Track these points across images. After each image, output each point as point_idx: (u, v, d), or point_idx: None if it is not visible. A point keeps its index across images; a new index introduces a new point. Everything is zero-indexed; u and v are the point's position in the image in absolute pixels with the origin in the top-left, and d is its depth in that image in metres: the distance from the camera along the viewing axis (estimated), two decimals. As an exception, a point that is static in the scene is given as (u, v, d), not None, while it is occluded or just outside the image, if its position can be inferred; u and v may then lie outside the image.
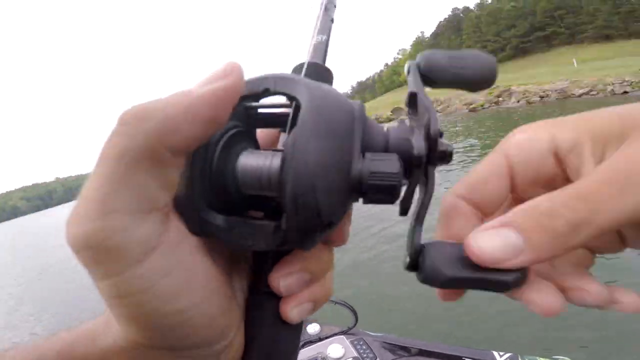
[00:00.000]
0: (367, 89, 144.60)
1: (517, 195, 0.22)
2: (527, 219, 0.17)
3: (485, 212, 0.22)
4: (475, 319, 2.80)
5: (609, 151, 0.18)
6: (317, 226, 0.19)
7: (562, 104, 17.28)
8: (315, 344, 1.18)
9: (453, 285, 0.19)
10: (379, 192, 0.19)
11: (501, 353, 0.98)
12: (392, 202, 0.19)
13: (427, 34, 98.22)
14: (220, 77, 0.18)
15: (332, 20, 0.27)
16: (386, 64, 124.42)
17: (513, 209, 0.18)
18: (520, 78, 28.62)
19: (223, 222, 0.19)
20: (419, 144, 0.19)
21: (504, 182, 0.21)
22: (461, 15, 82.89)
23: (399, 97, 63.15)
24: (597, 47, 49.01)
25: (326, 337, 1.21)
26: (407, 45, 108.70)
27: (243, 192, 0.20)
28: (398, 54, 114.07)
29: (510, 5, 63.68)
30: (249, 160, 0.19)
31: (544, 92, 19.81)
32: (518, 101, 20.52)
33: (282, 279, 0.21)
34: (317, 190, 0.17)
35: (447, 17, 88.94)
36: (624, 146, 0.17)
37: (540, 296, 0.19)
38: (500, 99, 22.25)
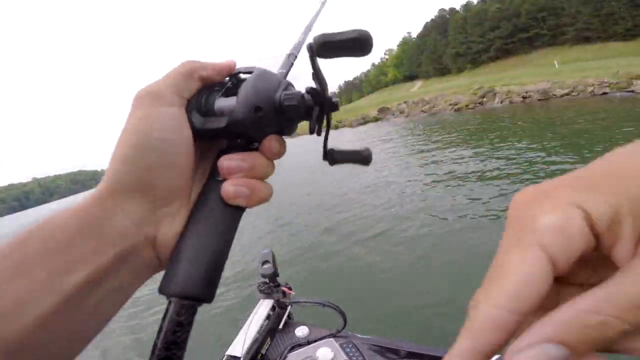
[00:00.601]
0: (354, 88, 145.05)
1: (560, 288, 0.19)
2: (573, 331, 0.15)
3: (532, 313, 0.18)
4: (463, 320, 2.74)
5: None
6: (252, 124, 0.28)
7: (544, 104, 17.49)
8: (304, 348, 1.18)
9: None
10: (290, 108, 0.29)
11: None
12: (302, 117, 0.30)
13: (414, 35, 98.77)
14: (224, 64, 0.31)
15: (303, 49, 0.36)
16: (373, 64, 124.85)
17: (550, 316, 0.15)
18: (503, 79, 28.96)
19: (200, 119, 0.29)
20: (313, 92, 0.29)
21: (549, 279, 0.16)
22: (447, 16, 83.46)
23: (386, 96, 63.41)
24: (578, 49, 50.17)
25: (315, 340, 1.20)
26: (394, 45, 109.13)
27: (217, 114, 0.30)
28: (385, 54, 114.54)
29: (495, 6, 64.57)
30: (220, 101, 0.30)
31: (526, 92, 20.01)
32: (501, 101, 20.70)
33: (225, 160, 0.29)
34: (258, 96, 0.28)
35: (433, 17, 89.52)
36: None
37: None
38: (484, 99, 22.42)
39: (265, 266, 1.43)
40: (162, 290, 0.26)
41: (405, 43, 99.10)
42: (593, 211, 0.16)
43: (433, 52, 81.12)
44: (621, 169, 0.16)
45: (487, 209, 5.14)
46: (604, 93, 16.58)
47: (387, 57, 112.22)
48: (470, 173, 7.23)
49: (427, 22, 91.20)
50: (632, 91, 15.61)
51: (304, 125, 0.32)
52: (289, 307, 1.39)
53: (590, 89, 17.42)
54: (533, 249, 0.16)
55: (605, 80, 17.67)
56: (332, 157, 0.34)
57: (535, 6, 58.15)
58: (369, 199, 7.08)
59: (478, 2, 75.62)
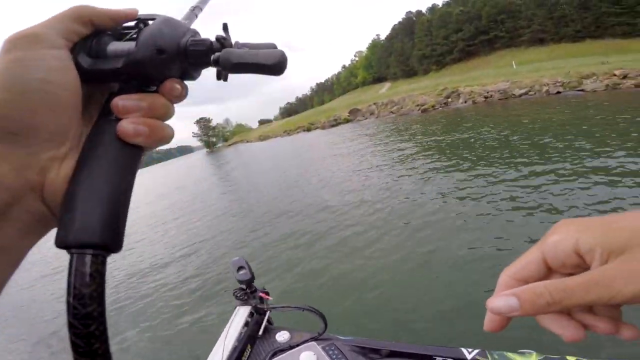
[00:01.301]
0: (326, 90, 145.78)
1: (551, 273, 0.30)
2: (526, 294, 0.26)
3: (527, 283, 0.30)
4: (443, 317, 2.89)
5: (611, 259, 0.25)
6: (154, 65, 0.27)
7: (504, 103, 18.35)
8: (287, 353, 1.16)
9: None
10: (196, 54, 0.28)
11: (470, 349, 0.98)
12: (208, 63, 0.29)
13: (383, 37, 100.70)
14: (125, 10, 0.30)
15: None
16: (343, 66, 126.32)
17: (522, 287, 0.27)
18: (466, 80, 30.12)
19: (89, 61, 0.27)
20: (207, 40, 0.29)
21: (540, 268, 0.30)
22: (414, 18, 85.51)
23: (357, 98, 64.12)
24: (533, 50, 52.93)
25: (297, 345, 1.19)
26: (364, 47, 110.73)
27: (110, 58, 0.28)
28: (355, 56, 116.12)
29: (459, 9, 66.94)
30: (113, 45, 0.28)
31: (487, 92, 20.95)
32: (465, 101, 21.54)
33: (120, 100, 0.26)
34: (162, 39, 0.27)
35: (401, 20, 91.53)
36: (618, 259, 0.25)
37: (560, 329, 0.29)
38: (449, 99, 23.25)
39: (241, 272, 1.41)
40: (58, 242, 0.23)
41: (374, 45, 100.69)
42: (581, 240, 0.27)
43: (400, 54, 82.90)
44: (613, 223, 0.26)
45: (464, 208, 5.32)
46: (558, 92, 17.65)
47: (357, 59, 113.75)
48: (441, 176, 7.46)
49: (394, 25, 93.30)
50: (583, 90, 16.75)
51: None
52: (267, 313, 1.38)
53: (545, 88, 18.49)
54: (537, 250, 0.30)
55: (559, 80, 18.83)
56: (223, 73, 0.31)
57: (495, 9, 60.79)
58: (341, 200, 7.15)
59: (443, 5, 78.21)
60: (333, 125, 33.71)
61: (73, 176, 0.24)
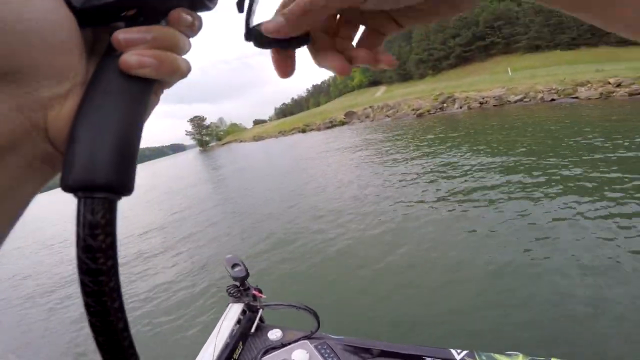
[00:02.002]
0: (322, 92, 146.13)
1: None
2: (290, 8, 0.26)
3: None
4: (433, 319, 2.94)
5: None
6: None
7: (499, 109, 18.52)
8: (279, 351, 1.16)
9: (271, 45, 0.29)
10: None
11: (458, 350, 1.00)
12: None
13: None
14: None
15: None
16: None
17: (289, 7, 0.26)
18: (462, 85, 30.33)
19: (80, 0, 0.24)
20: None
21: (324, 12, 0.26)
22: None
23: (352, 100, 64.32)
24: (528, 57, 53.25)
25: (289, 343, 1.19)
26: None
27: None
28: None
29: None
30: None
31: (483, 98, 21.10)
32: (460, 107, 21.69)
33: (121, 33, 0.24)
34: None
35: None
36: None
37: (330, 62, 0.29)
38: (445, 105, 23.38)
39: (236, 269, 1.40)
40: (62, 184, 0.21)
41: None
42: None
43: (397, 57, 79.58)
44: None
45: (454, 212, 5.35)
46: (552, 99, 17.84)
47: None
48: (434, 176, 7.51)
49: None
50: (577, 97, 16.96)
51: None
52: (260, 311, 1.37)
53: (540, 95, 18.67)
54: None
55: (554, 87, 19.03)
56: (257, 36, 0.28)
57: (492, 15, 61.22)
58: (335, 198, 7.16)
59: None
60: (329, 127, 33.77)
61: (76, 112, 0.23)
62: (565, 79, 20.31)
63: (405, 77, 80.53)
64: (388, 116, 28.36)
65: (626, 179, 4.97)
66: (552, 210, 4.50)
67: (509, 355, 0.97)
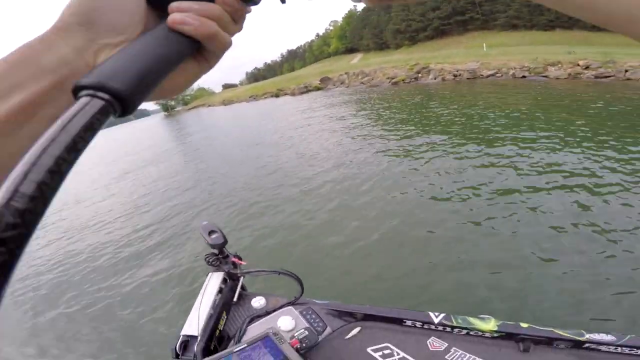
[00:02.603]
0: (297, 57, 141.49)
1: None
2: None
3: None
4: (413, 285, 3.03)
5: None
6: None
7: (472, 82, 18.77)
8: (264, 318, 1.15)
9: None
10: None
11: (437, 313, 1.05)
12: None
13: (359, 8, 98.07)
14: None
15: None
16: (317, 34, 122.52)
17: None
18: (438, 57, 30.32)
19: None
20: None
21: None
22: None
23: (328, 66, 62.88)
24: (505, 35, 53.87)
25: (274, 310, 1.18)
26: (340, 17, 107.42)
27: None
28: (330, 25, 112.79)
29: None
30: None
31: (457, 71, 21.24)
32: (435, 78, 21.75)
33: (175, 3, 0.29)
34: None
35: None
36: None
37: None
38: (420, 75, 23.39)
39: (213, 236, 1.31)
40: (74, 84, 0.21)
41: (350, 16, 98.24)
42: None
43: (375, 27, 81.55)
44: None
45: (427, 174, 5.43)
46: (524, 76, 18.28)
47: (332, 28, 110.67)
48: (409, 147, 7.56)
49: None
50: (546, 76, 17.49)
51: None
52: (241, 279, 1.30)
53: (512, 71, 19.06)
54: None
55: (526, 65, 19.46)
56: None
57: None
58: (310, 165, 7.09)
59: None
60: (303, 92, 32.99)
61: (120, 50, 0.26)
62: (538, 58, 20.77)
63: (382, 46, 79.36)
64: (363, 83, 28.05)
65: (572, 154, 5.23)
66: (501, 176, 4.79)
67: (482, 318, 1.03)
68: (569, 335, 0.93)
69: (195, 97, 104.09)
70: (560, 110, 8.89)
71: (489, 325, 1.00)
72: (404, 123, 10.29)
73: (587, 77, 16.35)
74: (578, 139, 6.16)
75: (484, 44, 35.23)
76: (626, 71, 15.67)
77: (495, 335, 0.99)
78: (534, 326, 0.98)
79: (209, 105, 58.51)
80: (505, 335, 0.98)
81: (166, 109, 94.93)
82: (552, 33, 48.80)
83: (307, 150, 8.85)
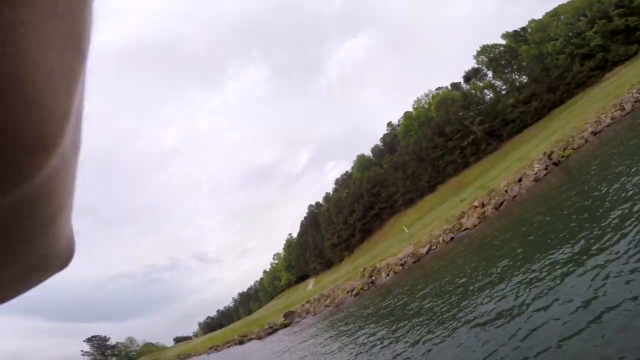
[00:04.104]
0: (251, 299, 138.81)
1: None
2: None
3: None
4: None
5: None
6: None
7: (419, 264, 20.31)
8: None
9: None
10: None
11: None
12: None
13: (295, 235, 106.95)
14: None
15: None
16: (265, 271, 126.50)
17: None
18: (377, 255, 32.94)
19: None
20: None
21: None
22: (315, 211, 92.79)
23: (286, 300, 61.31)
24: (410, 211, 59.51)
25: None
26: (281, 249, 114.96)
27: None
28: (274, 259, 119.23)
29: (345, 192, 75.49)
30: None
31: (400, 260, 23.16)
32: (387, 275, 23.09)
33: None
34: None
35: (306, 215, 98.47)
36: None
37: None
38: (373, 277, 24.68)
39: None
40: None
41: (289, 245, 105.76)
42: None
43: (314, 247, 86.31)
44: None
45: None
46: (452, 238, 20.59)
47: (276, 262, 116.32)
48: None
49: (302, 221, 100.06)
50: (466, 228, 19.99)
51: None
52: None
53: (440, 239, 21.48)
54: None
55: (445, 227, 22.29)
56: None
57: (370, 184, 69.66)
58: None
59: (333, 192, 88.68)
60: (270, 333, 31.10)
61: None
62: (447, 217, 23.99)
63: (327, 264, 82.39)
64: (327, 305, 28.03)
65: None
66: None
67: None
68: None
69: (141, 353, 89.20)
70: (493, 251, 9.98)
71: None
72: (379, 331, 10.21)
73: (490, 211, 19.36)
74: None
75: (404, 227, 40.02)
76: (506, 192, 19.60)
77: None
78: None
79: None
80: None
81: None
82: (437, 192, 55.97)
83: None
